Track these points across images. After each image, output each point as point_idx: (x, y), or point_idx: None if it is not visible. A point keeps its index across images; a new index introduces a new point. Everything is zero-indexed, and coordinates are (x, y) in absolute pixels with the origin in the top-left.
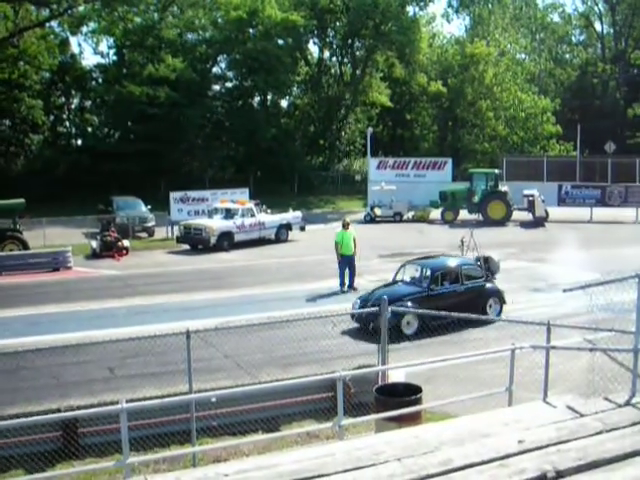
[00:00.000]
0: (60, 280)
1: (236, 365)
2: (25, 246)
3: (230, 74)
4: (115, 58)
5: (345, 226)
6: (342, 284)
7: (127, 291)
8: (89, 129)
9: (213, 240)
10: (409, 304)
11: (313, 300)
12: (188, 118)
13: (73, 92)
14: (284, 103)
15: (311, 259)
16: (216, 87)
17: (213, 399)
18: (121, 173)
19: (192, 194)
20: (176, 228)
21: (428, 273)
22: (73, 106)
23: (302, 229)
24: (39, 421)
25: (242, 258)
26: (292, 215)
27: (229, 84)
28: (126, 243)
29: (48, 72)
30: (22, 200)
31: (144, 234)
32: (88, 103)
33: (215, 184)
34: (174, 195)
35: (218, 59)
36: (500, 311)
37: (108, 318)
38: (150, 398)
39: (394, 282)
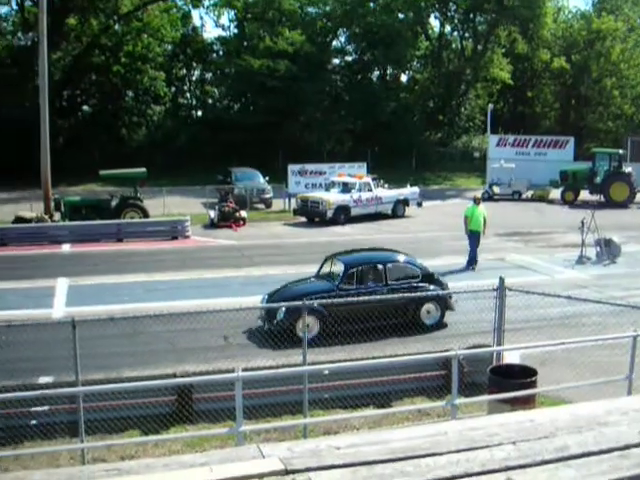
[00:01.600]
0: (178, 248)
1: (349, 339)
2: (145, 214)
3: (350, 48)
4: (236, 31)
5: (476, 201)
6: (475, 261)
7: (243, 261)
8: (209, 101)
9: (330, 213)
10: (315, 305)
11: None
12: (307, 91)
13: (194, 64)
14: (403, 77)
15: (428, 235)
16: (335, 61)
17: (326, 372)
18: (240, 145)
19: (310, 167)
20: (293, 200)
21: (341, 268)
22: (194, 78)
23: (419, 205)
24: (157, 385)
25: (358, 232)
26: (409, 190)
27: (349, 58)
28: (243, 214)
29: (170, 45)
30: (144, 169)
31: (261, 205)
32: (209, 75)
33: (333, 157)
34: (292, 167)
35: (338, 33)
36: (441, 319)
37: (224, 287)
38: (264, 368)
39: (315, 277)
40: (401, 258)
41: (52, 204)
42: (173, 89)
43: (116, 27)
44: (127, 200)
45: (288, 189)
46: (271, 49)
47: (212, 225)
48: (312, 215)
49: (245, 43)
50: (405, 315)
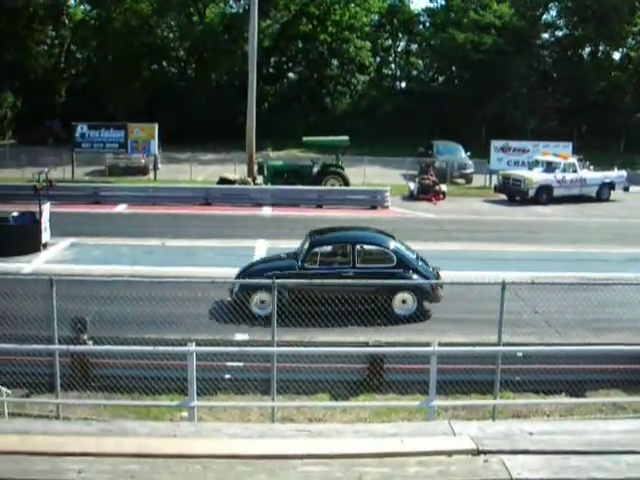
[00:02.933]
0: (377, 218)
1: (545, 322)
2: (346, 182)
3: (560, 22)
4: (443, 3)
5: None
6: None
7: (441, 235)
8: (414, 72)
9: (532, 192)
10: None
11: None
12: (513, 66)
13: (400, 35)
14: (616, 55)
15: (633, 222)
16: (545, 35)
17: (519, 354)
18: (443, 117)
19: (513, 144)
20: (494, 177)
21: (306, 245)
22: (399, 49)
23: (625, 189)
24: (350, 352)
25: (559, 214)
26: (616, 174)
27: (559, 33)
28: (443, 188)
29: (377, 15)
30: (346, 138)
31: (462, 180)
32: (414, 47)
33: (537, 135)
34: (495, 144)
35: (549, 6)
36: (417, 310)
37: None
38: (459, 344)
39: (289, 253)
40: (380, 240)
41: (255, 167)
42: (378, 59)
43: None
44: (328, 167)
45: (490, 165)
46: (478, 22)
47: (411, 197)
48: (513, 193)
49: (452, 15)
50: (374, 303)
